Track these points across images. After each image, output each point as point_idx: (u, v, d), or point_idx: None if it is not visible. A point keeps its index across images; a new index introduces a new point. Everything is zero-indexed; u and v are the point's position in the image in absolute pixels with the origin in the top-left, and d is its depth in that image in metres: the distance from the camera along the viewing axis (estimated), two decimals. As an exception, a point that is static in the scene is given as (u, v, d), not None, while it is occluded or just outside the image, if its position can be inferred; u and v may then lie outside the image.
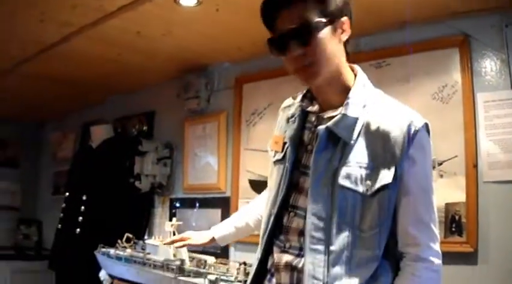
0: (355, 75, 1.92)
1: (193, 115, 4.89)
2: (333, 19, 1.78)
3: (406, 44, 3.42)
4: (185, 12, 3.49)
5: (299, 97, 2.04)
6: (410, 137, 1.74)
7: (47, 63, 4.59)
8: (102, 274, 4.14)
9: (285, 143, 2.03)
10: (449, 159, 3.21)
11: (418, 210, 1.78)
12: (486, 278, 3.04)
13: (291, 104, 2.10)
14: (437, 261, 1.79)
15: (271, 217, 1.99)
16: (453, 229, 3.16)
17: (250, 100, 4.39)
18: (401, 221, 1.78)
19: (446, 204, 3.19)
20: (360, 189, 1.75)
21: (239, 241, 3.54)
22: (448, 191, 3.19)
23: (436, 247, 1.79)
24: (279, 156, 2.05)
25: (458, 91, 3.25)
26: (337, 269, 1.75)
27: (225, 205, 4.48)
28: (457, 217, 3.16)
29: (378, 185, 1.73)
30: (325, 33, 1.77)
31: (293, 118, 2.02)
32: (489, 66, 3.20)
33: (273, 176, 2.07)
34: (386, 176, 1.73)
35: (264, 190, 2.51)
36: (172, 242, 2.83)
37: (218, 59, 4.56)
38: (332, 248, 1.76)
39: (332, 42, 1.79)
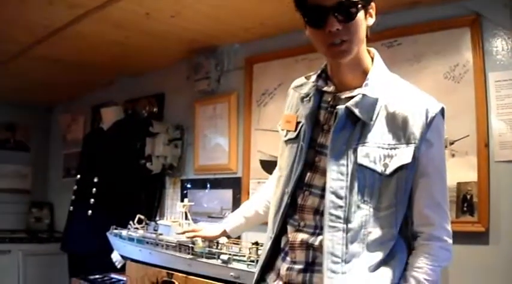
0: (372, 59, 1.97)
1: (204, 96, 4.89)
2: (368, 2, 1.85)
3: (417, 23, 3.45)
4: (194, -6, 3.49)
5: (313, 77, 2.05)
6: (428, 121, 1.79)
7: (56, 46, 4.60)
8: (115, 255, 4.17)
9: (298, 122, 2.04)
10: (461, 139, 3.21)
11: (433, 191, 1.84)
12: (497, 258, 3.05)
13: (304, 83, 2.11)
14: (450, 240, 1.86)
15: (284, 195, 2.02)
16: (465, 209, 3.16)
17: (260, 81, 4.38)
18: (417, 201, 1.85)
19: (458, 184, 3.19)
20: (379, 168, 1.79)
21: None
22: (459, 170, 3.19)
23: (449, 227, 1.86)
24: (292, 135, 2.06)
25: (470, 71, 3.24)
26: (355, 247, 1.79)
27: (236, 186, 4.50)
28: (468, 197, 3.16)
29: (396, 165, 1.78)
30: (361, 14, 1.81)
31: (308, 98, 2.04)
32: (500, 45, 3.19)
33: (285, 155, 2.09)
34: (405, 156, 1.78)
35: (271, 177, 2.54)
36: (184, 232, 2.90)
37: (228, 40, 4.55)
38: (350, 226, 1.79)
39: (364, 24, 1.84)
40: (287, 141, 2.09)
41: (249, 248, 3.11)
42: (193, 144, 5.01)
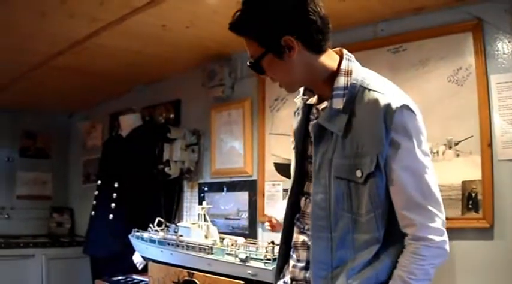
0: (341, 62, 1.99)
1: (219, 103, 4.98)
2: (270, 47, 1.91)
3: (421, 29, 3.53)
4: (208, 6, 3.60)
5: (302, 90, 2.16)
6: (389, 121, 1.78)
7: (76, 57, 4.70)
8: (136, 257, 4.30)
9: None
10: (465, 139, 3.29)
11: (408, 192, 1.82)
12: (502, 253, 3.12)
13: (298, 98, 2.22)
14: (439, 238, 1.82)
15: (289, 203, 2.20)
16: (470, 206, 3.24)
17: (272, 87, 4.35)
18: (395, 204, 1.86)
19: (463, 182, 3.26)
20: (352, 177, 1.86)
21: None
22: (464, 169, 3.27)
23: (435, 224, 1.83)
24: (293, 146, 2.20)
25: (473, 74, 3.31)
26: (341, 253, 1.90)
27: (252, 188, 4.59)
28: (473, 195, 3.23)
29: (365, 173, 1.83)
30: (271, 61, 1.94)
31: (298, 111, 2.17)
32: (501, 49, 3.25)
33: (292, 165, 2.24)
34: (370, 165, 1.82)
35: None
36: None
37: (241, 48, 4.58)
38: (334, 234, 1.90)
39: (284, 64, 1.92)
40: (294, 152, 2.22)
41: (266, 248, 3.24)
42: (209, 148, 5.10)
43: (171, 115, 5.63)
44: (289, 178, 2.35)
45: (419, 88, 3.45)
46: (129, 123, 5.32)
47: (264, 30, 1.90)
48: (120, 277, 4.41)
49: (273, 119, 4.49)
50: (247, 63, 2.01)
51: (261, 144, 4.57)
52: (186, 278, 3.54)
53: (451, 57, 3.43)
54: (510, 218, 3.12)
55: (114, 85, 6.01)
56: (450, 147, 3.32)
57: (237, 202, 4.70)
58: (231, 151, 4.88)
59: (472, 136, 3.28)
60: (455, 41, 3.42)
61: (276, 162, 4.40)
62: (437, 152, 3.33)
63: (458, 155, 3.32)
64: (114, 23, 3.88)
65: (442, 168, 3.22)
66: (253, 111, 4.69)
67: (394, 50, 3.69)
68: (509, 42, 3.24)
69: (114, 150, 5.41)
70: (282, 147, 4.33)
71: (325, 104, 1.97)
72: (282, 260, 2.27)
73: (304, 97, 2.13)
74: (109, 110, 6.70)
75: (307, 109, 2.12)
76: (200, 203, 4.53)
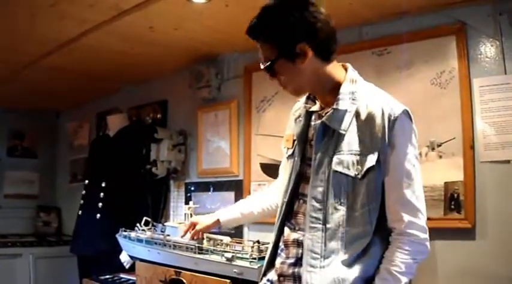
0: (346, 72, 2.16)
1: (205, 104, 5.02)
2: (285, 52, 2.04)
3: (405, 32, 3.57)
4: (196, 8, 3.63)
5: (303, 99, 2.28)
6: (390, 124, 1.95)
7: (64, 57, 4.73)
8: (123, 256, 4.32)
9: (294, 140, 2.27)
10: (447, 141, 3.34)
11: (400, 189, 1.97)
12: (484, 253, 3.17)
13: (299, 107, 2.32)
14: (423, 235, 1.98)
15: (283, 205, 2.26)
16: (452, 207, 3.29)
17: (259, 88, 4.50)
18: (388, 199, 2.00)
19: (446, 183, 3.32)
20: (351, 173, 1.98)
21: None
22: (447, 171, 3.32)
23: (421, 222, 1.98)
24: (290, 151, 2.31)
25: (456, 77, 3.36)
26: (333, 244, 1.99)
27: (238, 188, 4.64)
28: (455, 195, 3.28)
29: (365, 168, 1.95)
30: (283, 65, 2.07)
31: (300, 118, 2.26)
32: (484, 52, 3.31)
33: (287, 169, 2.31)
34: (371, 160, 1.95)
35: (272, 183, 2.77)
36: (186, 233, 3.09)
37: (228, 50, 4.68)
38: (328, 226, 2.00)
39: (295, 69, 2.07)
40: (288, 157, 2.33)
41: (251, 247, 3.28)
42: (196, 148, 5.14)
43: (158, 116, 5.66)
44: (275, 178, 2.47)
45: (402, 90, 3.49)
46: (116, 123, 5.32)
47: (282, 37, 2.03)
48: (107, 276, 4.41)
49: (259, 120, 4.53)
50: (261, 65, 2.11)
51: (247, 144, 4.61)
52: (173, 277, 3.57)
53: (434, 60, 3.48)
54: (491, 219, 3.18)
55: (102, 86, 6.03)
56: (433, 149, 3.38)
57: (223, 201, 4.72)
58: (217, 152, 4.91)
59: (454, 138, 3.33)
60: (438, 44, 3.47)
61: (262, 162, 4.44)
62: (421, 153, 3.35)
63: (440, 156, 3.38)
64: (103, 25, 3.91)
65: (425, 169, 3.18)
66: (239, 112, 4.73)
67: (378, 52, 3.74)
68: (492, 45, 3.30)
69: (102, 149, 5.41)
70: (268, 148, 4.38)
71: (329, 110, 2.08)
72: (270, 260, 2.33)
73: (307, 105, 2.24)
74: (96, 110, 6.71)
75: (308, 116, 2.23)
76: (187, 203, 4.56)
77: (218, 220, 2.90)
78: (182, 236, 3.32)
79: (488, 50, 3.32)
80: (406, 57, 3.60)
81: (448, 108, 3.37)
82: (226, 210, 2.97)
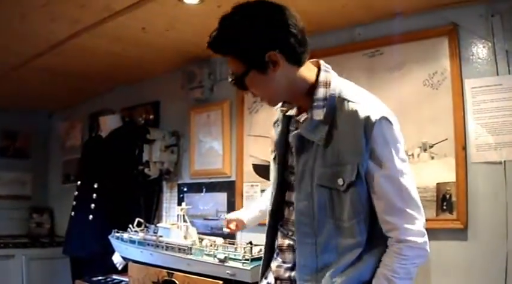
0: (319, 74, 2.03)
1: (198, 104, 5.01)
2: (254, 64, 1.92)
3: (398, 33, 3.57)
4: (188, 9, 3.63)
5: (281, 103, 2.18)
6: (368, 132, 1.84)
7: (56, 58, 4.72)
8: (116, 257, 4.32)
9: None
10: (439, 142, 3.35)
11: (390, 197, 1.88)
12: (475, 253, 3.19)
13: (277, 108, 2.25)
14: (420, 239, 1.89)
15: (270, 211, 2.26)
16: (444, 207, 3.30)
17: None
18: (378, 209, 1.92)
19: (438, 184, 3.33)
20: (334, 186, 1.91)
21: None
22: (439, 172, 3.33)
23: (416, 227, 1.89)
24: (273, 156, 2.26)
25: (448, 78, 3.37)
26: (326, 257, 1.96)
27: (230, 189, 4.64)
28: (447, 196, 3.29)
29: (347, 181, 1.89)
30: (254, 77, 1.94)
31: (278, 123, 2.22)
32: (476, 53, 3.31)
33: (272, 174, 2.29)
34: (351, 174, 1.87)
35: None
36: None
37: (220, 51, 4.67)
38: (319, 240, 1.96)
39: (268, 79, 1.94)
40: (273, 161, 2.28)
41: (244, 248, 3.29)
42: (188, 149, 5.14)
43: (151, 116, 5.65)
44: (268, 179, 2.43)
45: (395, 91, 3.51)
46: (109, 123, 5.32)
47: (247, 48, 1.90)
48: (100, 277, 4.41)
49: (251, 121, 4.53)
50: (229, 80, 2.03)
51: (239, 145, 4.61)
52: (166, 278, 3.57)
53: (426, 61, 3.49)
54: (483, 220, 3.19)
55: (94, 86, 6.02)
56: (425, 150, 3.38)
57: (216, 202, 4.74)
58: (210, 153, 4.91)
59: (446, 139, 3.34)
60: (431, 45, 3.48)
61: (255, 163, 4.44)
62: (413, 154, 3.38)
63: (433, 157, 3.38)
64: (95, 25, 3.90)
65: (417, 170, 3.27)
66: (232, 112, 4.73)
67: (370, 54, 3.74)
68: (484, 46, 3.31)
69: (94, 150, 5.40)
70: (260, 149, 4.39)
71: (304, 116, 2.02)
72: (266, 264, 2.33)
73: (283, 108, 2.17)
74: (89, 110, 6.69)
75: (286, 120, 2.17)
76: (179, 204, 4.56)
77: (242, 221, 2.83)
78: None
79: (480, 51, 3.32)
80: (398, 58, 3.60)
81: (440, 109, 3.37)
82: (246, 210, 2.93)
